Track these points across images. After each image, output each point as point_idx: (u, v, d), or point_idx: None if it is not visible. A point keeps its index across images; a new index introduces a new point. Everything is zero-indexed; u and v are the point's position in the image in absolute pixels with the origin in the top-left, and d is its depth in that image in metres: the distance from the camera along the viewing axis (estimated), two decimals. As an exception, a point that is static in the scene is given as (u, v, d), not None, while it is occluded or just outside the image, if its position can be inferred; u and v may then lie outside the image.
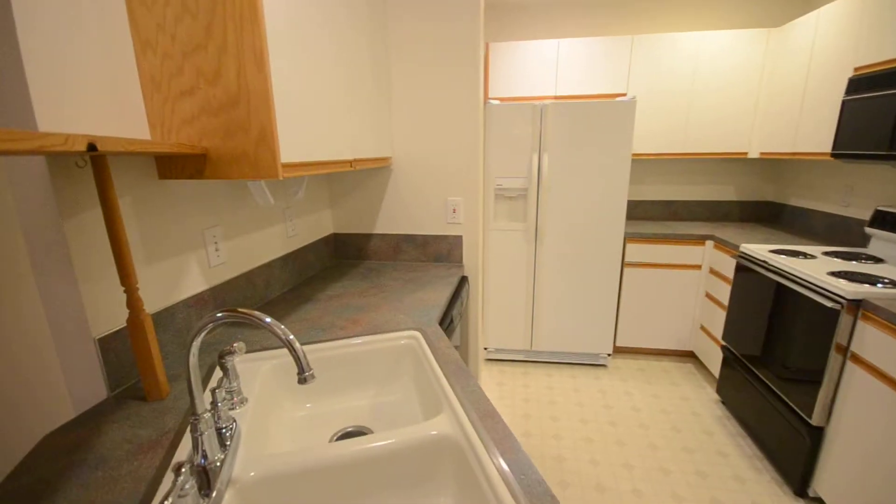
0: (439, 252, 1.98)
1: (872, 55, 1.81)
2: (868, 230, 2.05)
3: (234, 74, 0.90)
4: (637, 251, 2.71)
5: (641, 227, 2.84)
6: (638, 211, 3.26)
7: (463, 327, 1.94)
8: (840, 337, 1.52)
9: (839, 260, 1.90)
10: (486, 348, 2.93)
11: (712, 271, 2.58)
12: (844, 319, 1.50)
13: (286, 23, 0.98)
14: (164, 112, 0.95)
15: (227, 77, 0.91)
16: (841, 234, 2.39)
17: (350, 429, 1.01)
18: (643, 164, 3.17)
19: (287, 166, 0.99)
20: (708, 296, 2.63)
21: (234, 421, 0.75)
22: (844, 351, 1.53)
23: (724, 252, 2.46)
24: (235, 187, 1.32)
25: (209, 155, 0.96)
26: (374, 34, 1.60)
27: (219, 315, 0.61)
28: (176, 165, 0.99)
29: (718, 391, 2.39)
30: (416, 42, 1.75)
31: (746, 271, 2.10)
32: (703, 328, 2.69)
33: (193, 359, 0.61)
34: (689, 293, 2.73)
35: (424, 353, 1.07)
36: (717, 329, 2.48)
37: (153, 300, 1.02)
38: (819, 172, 2.62)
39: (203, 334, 0.62)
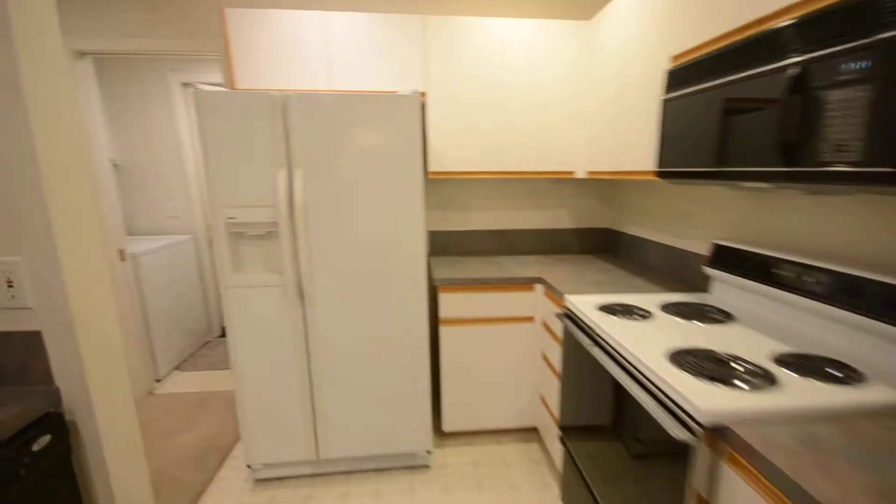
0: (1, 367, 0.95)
1: (691, 38, 1.33)
2: (707, 270, 1.58)
3: None
4: (455, 302, 1.99)
5: (464, 267, 2.15)
6: (469, 243, 2.60)
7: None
8: (698, 484, 0.87)
9: (681, 320, 1.34)
10: (249, 466, 1.92)
11: (545, 326, 1.97)
12: (702, 457, 0.85)
13: None
14: None
15: None
16: (680, 269, 1.94)
17: None
18: (464, 185, 2.53)
19: None
20: (544, 357, 2.01)
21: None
22: (705, 505, 0.89)
23: (552, 301, 1.86)
24: None
25: None
26: None
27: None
28: None
29: (563, 496, 1.72)
30: None
31: (573, 334, 1.47)
32: (542, 398, 2.06)
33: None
34: (525, 352, 2.08)
35: None
36: (555, 402, 1.84)
37: None
38: (650, 195, 2.20)
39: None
